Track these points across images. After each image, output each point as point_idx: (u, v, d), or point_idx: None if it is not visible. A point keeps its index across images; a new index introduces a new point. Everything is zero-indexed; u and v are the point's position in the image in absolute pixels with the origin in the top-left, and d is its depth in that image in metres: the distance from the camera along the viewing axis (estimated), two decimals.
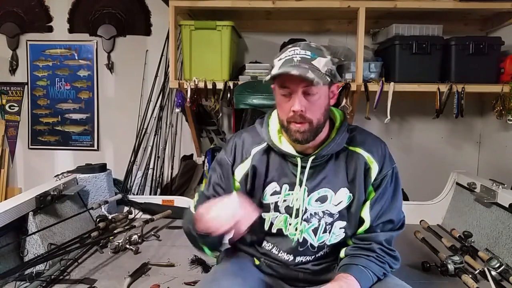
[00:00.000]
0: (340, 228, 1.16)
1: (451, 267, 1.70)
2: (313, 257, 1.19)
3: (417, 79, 2.46)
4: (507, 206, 1.89)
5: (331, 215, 1.15)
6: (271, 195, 1.17)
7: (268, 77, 1.08)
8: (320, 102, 1.07)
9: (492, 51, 2.43)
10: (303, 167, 1.14)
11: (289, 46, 1.11)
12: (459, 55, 2.44)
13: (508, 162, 2.64)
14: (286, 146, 1.16)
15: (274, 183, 1.17)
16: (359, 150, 1.15)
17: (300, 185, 1.14)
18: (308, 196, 1.15)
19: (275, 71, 1.06)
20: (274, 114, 1.21)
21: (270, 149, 1.19)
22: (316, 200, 1.15)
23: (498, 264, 1.65)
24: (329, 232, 1.16)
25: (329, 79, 1.06)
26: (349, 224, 1.16)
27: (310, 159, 1.13)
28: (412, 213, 2.45)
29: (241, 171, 1.19)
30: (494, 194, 2.00)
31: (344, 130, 1.14)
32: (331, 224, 1.16)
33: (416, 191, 2.77)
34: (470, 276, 1.64)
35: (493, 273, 1.63)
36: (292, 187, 1.15)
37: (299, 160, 1.14)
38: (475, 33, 2.80)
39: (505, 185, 2.03)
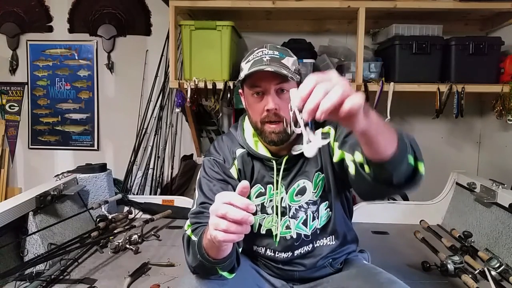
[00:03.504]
0: (325, 208, 1.19)
1: (451, 267, 1.70)
2: (310, 245, 1.20)
3: (417, 79, 2.45)
4: (507, 206, 1.90)
5: (314, 203, 1.18)
6: (256, 197, 1.19)
7: (242, 76, 1.08)
8: None
9: (492, 51, 2.42)
10: (278, 169, 1.15)
11: (255, 49, 1.12)
12: (459, 55, 2.43)
13: (508, 162, 2.63)
14: (261, 150, 1.17)
15: (258, 185, 1.19)
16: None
17: (277, 185, 1.16)
18: (286, 193, 1.17)
19: (246, 71, 1.06)
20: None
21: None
22: (296, 194, 1.17)
23: (498, 264, 1.65)
24: (318, 218, 1.19)
25: (298, 78, 1.08)
26: (330, 201, 1.18)
27: (284, 160, 1.14)
28: (412, 213, 2.46)
29: (233, 173, 1.20)
30: (494, 194, 2.00)
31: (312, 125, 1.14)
32: (317, 210, 1.18)
33: (416, 191, 2.76)
34: (470, 276, 1.64)
35: (493, 273, 1.63)
36: (275, 188, 1.17)
37: (274, 163, 1.15)
38: (475, 33, 2.80)
39: (505, 185, 2.03)
